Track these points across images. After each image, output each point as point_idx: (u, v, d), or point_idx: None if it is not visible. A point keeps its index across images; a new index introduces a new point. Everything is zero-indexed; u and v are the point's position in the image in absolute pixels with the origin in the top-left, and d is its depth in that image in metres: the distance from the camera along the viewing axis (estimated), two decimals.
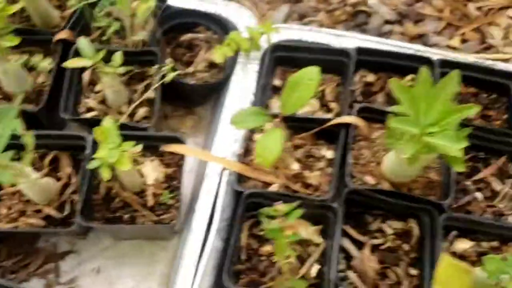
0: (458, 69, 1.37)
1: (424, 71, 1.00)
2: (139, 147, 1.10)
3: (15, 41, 1.15)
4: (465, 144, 1.05)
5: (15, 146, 1.04)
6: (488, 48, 1.79)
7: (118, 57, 1.19)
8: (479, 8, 1.87)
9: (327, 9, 1.79)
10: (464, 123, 1.30)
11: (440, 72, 1.37)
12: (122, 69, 1.19)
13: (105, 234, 1.33)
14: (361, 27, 1.77)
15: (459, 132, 1.01)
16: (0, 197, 1.21)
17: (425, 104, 0.99)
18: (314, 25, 1.75)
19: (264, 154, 0.99)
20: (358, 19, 1.78)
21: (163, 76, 1.25)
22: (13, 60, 1.27)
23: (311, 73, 1.02)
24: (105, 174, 1.05)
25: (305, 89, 1.01)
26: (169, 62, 1.17)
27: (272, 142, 0.99)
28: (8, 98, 1.32)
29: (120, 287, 1.29)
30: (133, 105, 1.27)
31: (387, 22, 1.77)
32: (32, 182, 1.09)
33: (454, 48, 1.76)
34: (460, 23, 1.83)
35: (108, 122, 1.04)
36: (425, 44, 1.74)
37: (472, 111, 0.96)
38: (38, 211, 1.19)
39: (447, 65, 1.39)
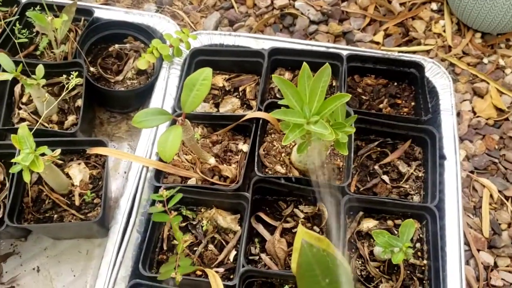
0: (367, 62, 1.51)
1: (305, 66, 1.10)
2: (58, 151, 1.19)
3: None
4: (350, 130, 1.15)
5: None
6: (410, 41, 1.90)
7: (39, 70, 1.29)
8: (403, 4, 1.98)
9: (256, 13, 1.89)
10: (373, 113, 1.42)
11: (348, 66, 1.48)
12: (43, 81, 1.28)
13: (44, 235, 1.43)
14: (288, 29, 1.88)
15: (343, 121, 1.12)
16: None
17: (307, 96, 1.09)
18: (244, 30, 1.85)
19: (164, 149, 1.08)
20: (285, 21, 1.88)
21: (88, 81, 1.34)
22: None
23: (205, 73, 1.11)
24: (26, 177, 1.14)
25: (200, 88, 1.11)
26: (74, 73, 1.26)
27: (171, 138, 1.08)
28: None
29: (59, 283, 1.38)
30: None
31: (313, 22, 1.88)
32: None
33: (377, 43, 1.87)
34: (384, 19, 1.93)
35: (23, 130, 1.13)
36: (349, 41, 1.85)
37: (346, 99, 1.06)
38: None
39: (355, 60, 1.50)
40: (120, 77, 1.55)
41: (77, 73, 1.26)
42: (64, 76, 1.32)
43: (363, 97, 1.50)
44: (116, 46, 1.58)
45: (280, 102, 1.14)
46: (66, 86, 1.27)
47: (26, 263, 1.41)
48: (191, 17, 1.89)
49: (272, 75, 1.10)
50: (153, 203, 1.30)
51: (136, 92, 1.51)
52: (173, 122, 1.15)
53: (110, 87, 1.51)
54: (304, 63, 1.11)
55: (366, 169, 1.39)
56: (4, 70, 1.28)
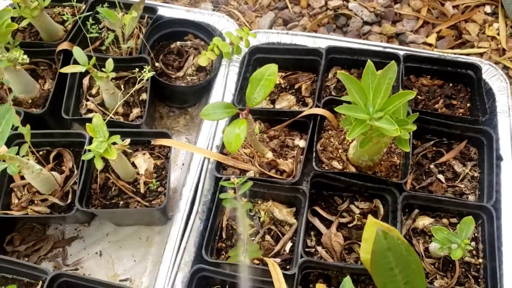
0: (423, 62, 1.52)
1: (370, 64, 1.13)
2: (127, 141, 1.26)
3: (21, 52, 1.32)
4: (411, 127, 1.18)
5: (20, 144, 1.22)
6: (463, 44, 1.90)
7: (109, 63, 1.36)
8: (456, 6, 1.98)
9: (310, 13, 1.93)
10: (428, 112, 1.43)
11: (405, 66, 1.50)
12: (113, 74, 1.35)
13: (107, 221, 1.50)
14: (342, 29, 1.91)
15: (404, 118, 1.15)
16: (11, 189, 1.38)
17: (371, 92, 1.12)
18: (298, 29, 1.89)
19: (230, 141, 1.13)
20: (339, 22, 1.91)
21: (152, 77, 1.41)
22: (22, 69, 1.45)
23: (271, 69, 1.16)
24: (98, 164, 1.21)
25: (265, 84, 1.15)
26: (147, 66, 1.32)
27: (237, 131, 1.13)
28: (18, 103, 1.51)
29: (121, 267, 1.44)
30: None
31: (366, 23, 1.90)
32: (36, 173, 1.26)
33: (430, 45, 1.88)
34: (437, 21, 1.94)
35: (97, 119, 1.20)
36: (402, 42, 1.86)
37: (411, 96, 1.08)
38: (44, 200, 1.36)
39: (412, 60, 1.52)
40: (180, 73, 1.61)
41: (149, 66, 1.32)
42: (136, 69, 1.39)
43: (418, 97, 1.52)
44: (178, 43, 1.64)
45: (343, 98, 1.17)
46: (139, 78, 1.33)
47: (89, 247, 1.48)
48: (246, 17, 1.94)
49: (338, 72, 1.14)
50: (214, 193, 1.35)
51: (196, 88, 1.57)
52: (235, 117, 1.20)
53: (171, 82, 1.57)
54: (369, 60, 1.14)
55: (422, 168, 1.40)
56: (76, 63, 1.36)
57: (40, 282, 1.25)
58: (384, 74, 1.10)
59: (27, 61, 1.33)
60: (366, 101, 1.12)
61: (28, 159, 1.25)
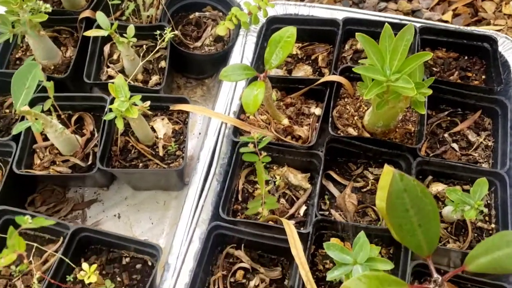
0: (439, 35, 1.53)
1: (387, 26, 1.15)
2: (147, 103, 1.29)
3: (44, 17, 1.36)
4: (427, 91, 1.20)
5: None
6: (479, 21, 1.91)
7: (130, 29, 1.39)
8: None
9: None
10: (443, 81, 1.45)
11: (421, 38, 1.51)
12: (134, 39, 1.38)
13: (125, 186, 1.54)
14: (358, 5, 1.92)
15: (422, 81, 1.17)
16: (34, 150, 1.42)
17: (388, 55, 1.14)
18: (316, 3, 1.91)
19: (248, 102, 1.15)
20: None
21: (171, 45, 1.44)
22: (46, 35, 1.49)
23: (290, 31, 1.18)
24: (119, 124, 1.25)
25: (284, 45, 1.17)
26: (168, 28, 1.35)
27: (255, 92, 1.15)
28: (41, 69, 1.54)
29: (138, 229, 1.48)
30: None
31: (382, 0, 1.92)
32: (59, 132, 1.30)
33: (445, 22, 1.88)
34: None
35: (119, 79, 1.23)
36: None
37: (427, 57, 1.10)
38: (66, 161, 1.40)
39: (428, 32, 1.54)
40: (198, 43, 1.64)
41: (170, 28, 1.35)
42: (158, 32, 1.42)
43: (434, 69, 1.53)
44: (196, 14, 1.67)
45: (361, 61, 1.19)
46: (161, 40, 1.36)
47: (108, 210, 1.52)
48: None
49: (356, 33, 1.15)
50: (230, 157, 1.38)
51: (214, 57, 1.60)
52: (253, 80, 1.23)
53: (190, 51, 1.60)
54: (386, 24, 1.16)
55: (436, 137, 1.42)
56: (98, 27, 1.39)
57: (61, 238, 1.29)
58: (401, 36, 1.12)
59: (50, 10, 1.35)
60: (383, 63, 1.14)
61: (52, 119, 1.29)
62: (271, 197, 1.19)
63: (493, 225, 1.28)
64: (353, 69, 1.14)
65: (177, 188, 1.51)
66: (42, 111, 1.23)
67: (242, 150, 1.17)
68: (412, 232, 0.80)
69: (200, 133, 1.62)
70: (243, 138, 1.22)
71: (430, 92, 1.20)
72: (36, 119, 1.22)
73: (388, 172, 0.89)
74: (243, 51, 1.55)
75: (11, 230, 1.00)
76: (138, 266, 1.28)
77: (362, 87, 1.23)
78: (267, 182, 1.35)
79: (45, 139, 1.42)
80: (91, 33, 1.35)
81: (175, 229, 1.31)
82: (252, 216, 1.30)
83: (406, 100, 1.21)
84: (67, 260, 1.17)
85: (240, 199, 1.36)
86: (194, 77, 1.73)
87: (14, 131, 1.23)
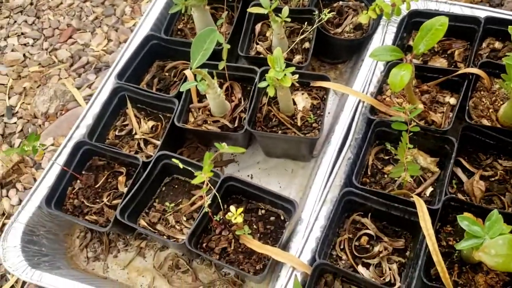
0: None
1: None
2: (296, 76, 1.43)
3: None
4: None
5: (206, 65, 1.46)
6: None
7: (285, 10, 1.55)
8: None
9: None
10: None
11: None
12: (288, 19, 1.54)
13: (258, 151, 1.70)
14: (496, 8, 1.94)
15: None
16: (190, 109, 1.63)
17: None
18: (455, 0, 1.96)
19: (395, 80, 1.26)
20: (492, 1, 1.95)
21: (317, 29, 1.58)
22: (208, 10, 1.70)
23: (442, 20, 1.27)
24: (271, 91, 1.40)
25: (435, 33, 1.26)
26: (326, 9, 1.49)
27: (402, 72, 1.25)
28: None
29: None
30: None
31: None
32: (217, 94, 1.48)
33: None
34: None
35: (277, 52, 1.39)
36: None
37: None
38: (216, 121, 1.59)
39: None
40: (339, 30, 1.77)
41: (328, 9, 1.50)
42: (316, 12, 1.59)
43: None
44: (340, 2, 1.80)
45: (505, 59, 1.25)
46: (318, 19, 1.51)
47: (242, 171, 1.70)
48: None
49: (509, 26, 1.21)
50: (365, 133, 1.49)
51: (355, 43, 1.72)
52: (392, 66, 1.33)
53: (330, 35, 1.73)
54: None
55: None
56: (257, 5, 1.56)
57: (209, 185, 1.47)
58: None
59: None
60: None
61: (214, 82, 1.48)
62: (413, 164, 1.29)
63: None
64: (503, 58, 1.20)
65: (305, 158, 1.65)
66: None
67: (392, 118, 1.27)
68: None
69: (329, 113, 1.75)
70: (394, 107, 1.33)
71: None
72: (203, 79, 1.41)
73: None
74: (383, 39, 1.66)
75: (207, 155, 1.25)
76: (272, 218, 1.43)
77: (506, 78, 1.29)
78: (389, 162, 1.45)
79: (199, 101, 1.62)
80: (253, 9, 1.52)
81: (309, 190, 1.44)
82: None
83: None
84: (218, 199, 1.34)
85: (369, 173, 1.46)
86: (329, 61, 1.86)
87: (182, 88, 1.43)
